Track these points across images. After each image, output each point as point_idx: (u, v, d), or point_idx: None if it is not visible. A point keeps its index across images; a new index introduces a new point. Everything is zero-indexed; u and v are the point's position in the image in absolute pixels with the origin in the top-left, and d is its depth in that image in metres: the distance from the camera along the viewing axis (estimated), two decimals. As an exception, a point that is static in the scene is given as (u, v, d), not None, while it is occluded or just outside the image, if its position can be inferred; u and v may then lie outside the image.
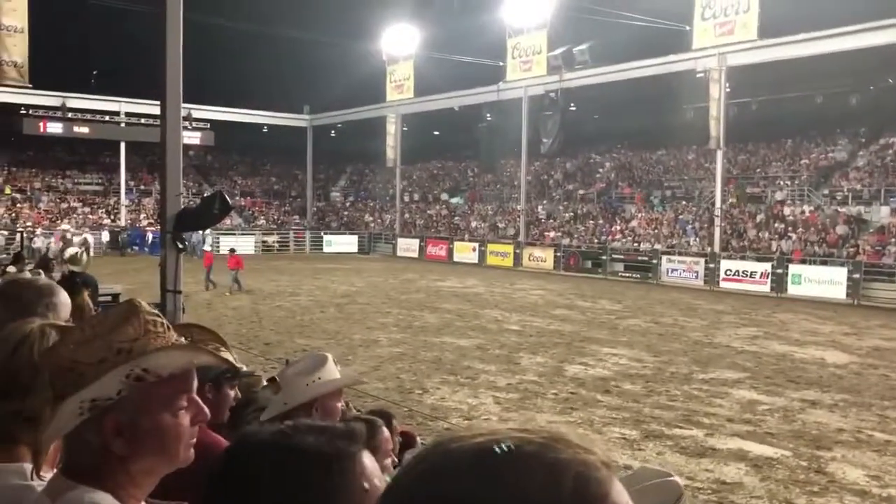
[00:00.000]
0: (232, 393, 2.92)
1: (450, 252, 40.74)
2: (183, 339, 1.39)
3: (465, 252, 39.97)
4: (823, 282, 26.07)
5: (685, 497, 1.26)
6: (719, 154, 31.73)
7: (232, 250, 25.80)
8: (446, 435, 0.78)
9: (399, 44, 44.00)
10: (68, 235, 36.34)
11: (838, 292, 25.51)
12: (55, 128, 43.53)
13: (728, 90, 31.41)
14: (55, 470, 1.40)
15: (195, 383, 1.34)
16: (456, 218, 45.72)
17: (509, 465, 0.69)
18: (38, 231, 38.51)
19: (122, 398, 1.23)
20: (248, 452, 1.10)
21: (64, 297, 2.30)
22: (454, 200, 48.65)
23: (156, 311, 1.32)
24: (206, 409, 1.35)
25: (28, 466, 1.48)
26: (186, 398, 1.31)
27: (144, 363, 1.24)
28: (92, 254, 33.29)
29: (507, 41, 38.82)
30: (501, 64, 39.68)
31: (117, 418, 1.24)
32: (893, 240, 26.83)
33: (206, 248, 27.51)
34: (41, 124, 43.03)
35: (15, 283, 2.56)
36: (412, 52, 43.86)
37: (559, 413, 10.31)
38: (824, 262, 27.13)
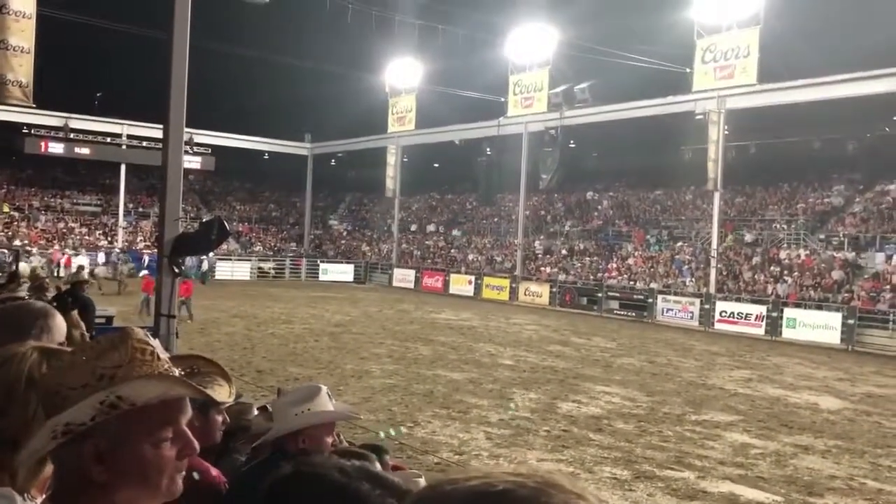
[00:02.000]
0: (220, 418, 2.91)
1: (446, 284, 40.72)
2: (177, 369, 1.37)
3: (461, 284, 39.96)
4: (818, 326, 26.07)
5: None
6: (717, 196, 31.90)
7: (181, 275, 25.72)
8: (441, 477, 0.78)
9: (402, 76, 44.43)
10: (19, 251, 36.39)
11: (833, 337, 25.50)
12: (56, 148, 43.73)
13: (727, 133, 31.68)
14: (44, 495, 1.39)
15: (185, 416, 1.31)
16: (453, 250, 45.77)
17: None
18: (35, 251, 38.43)
19: (99, 425, 1.21)
20: (310, 485, 1.14)
21: (59, 320, 2.30)
22: (453, 233, 48.77)
23: (147, 339, 1.31)
24: (196, 443, 1.32)
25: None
26: (172, 430, 1.28)
27: (119, 390, 1.22)
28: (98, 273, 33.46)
29: (508, 77, 39.21)
30: (502, 99, 40.05)
31: (98, 445, 1.22)
32: (888, 286, 26.88)
33: (144, 272, 27.43)
34: (42, 144, 43.24)
35: (10, 306, 2.56)
36: (415, 85, 44.28)
37: (550, 451, 10.23)
38: (819, 307, 27.14)
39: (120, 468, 1.24)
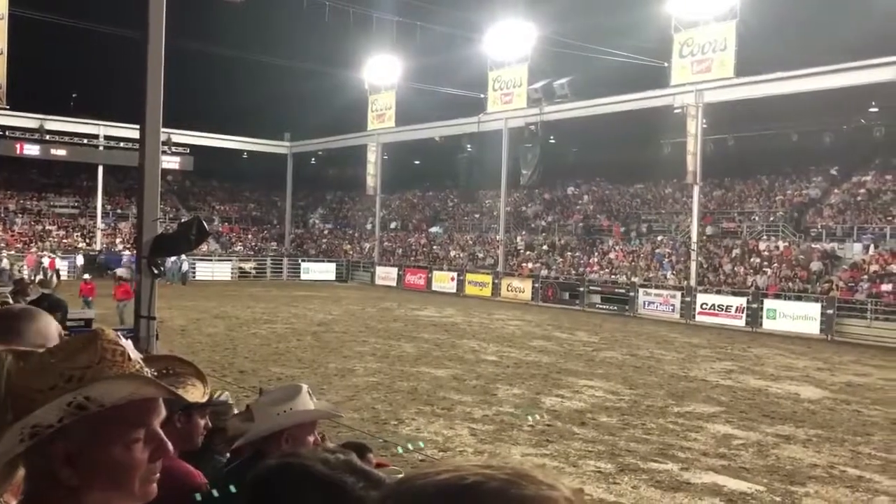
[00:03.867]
0: (203, 422, 2.89)
1: (428, 281, 40.71)
2: (149, 370, 1.35)
3: (443, 281, 39.95)
4: (798, 317, 26.32)
5: None
6: (696, 189, 32.11)
7: (120, 278, 23.20)
8: (412, 471, 0.77)
9: (381, 74, 44.36)
10: None
11: (812, 328, 25.77)
12: (32, 150, 43.25)
13: (705, 126, 31.89)
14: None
15: (157, 416, 1.29)
16: (435, 247, 45.76)
17: (473, 501, 0.69)
18: (4, 254, 37.80)
19: (68, 427, 1.19)
20: (295, 476, 1.16)
21: (53, 326, 2.26)
22: (433, 230, 48.75)
23: (117, 340, 1.28)
24: (169, 444, 1.30)
25: None
26: (144, 431, 1.26)
27: (87, 391, 1.19)
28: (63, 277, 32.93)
29: (488, 73, 39.24)
30: (482, 96, 40.07)
31: (66, 447, 1.20)
32: (866, 276, 27.20)
33: (86, 276, 26.74)
34: (18, 146, 42.72)
35: (8, 310, 2.51)
36: (394, 82, 44.21)
37: (535, 445, 10.26)
38: (798, 298, 27.41)
39: (90, 471, 1.22)
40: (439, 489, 0.71)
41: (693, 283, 30.64)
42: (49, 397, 1.20)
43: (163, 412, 1.30)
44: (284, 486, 1.19)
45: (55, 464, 1.20)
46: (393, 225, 50.73)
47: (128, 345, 1.29)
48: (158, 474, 1.30)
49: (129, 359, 1.27)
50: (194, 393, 1.72)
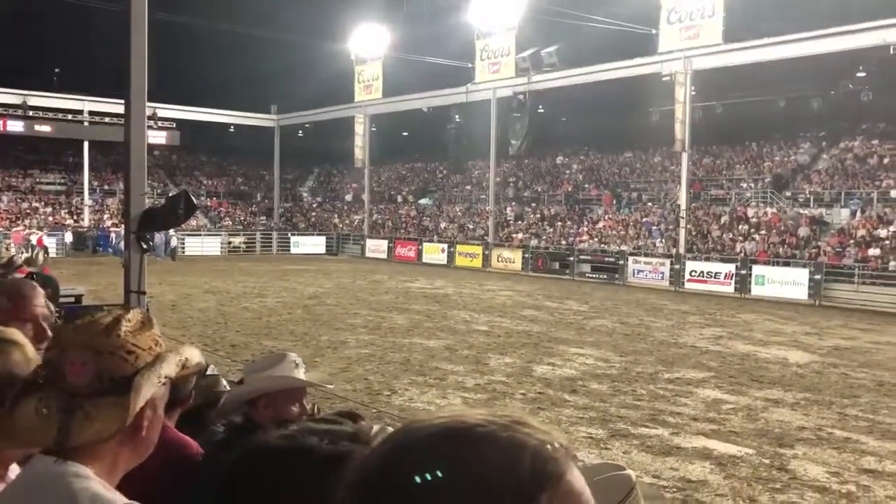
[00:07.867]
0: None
1: (419, 253, 40.73)
2: None
3: (434, 253, 39.98)
4: (786, 283, 26.52)
5: (637, 490, 1.29)
6: (684, 156, 32.12)
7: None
8: (413, 418, 0.79)
9: (368, 44, 43.90)
10: None
11: (800, 293, 25.98)
12: (16, 126, 42.78)
13: (693, 93, 31.83)
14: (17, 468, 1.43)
15: None
16: (425, 219, 45.72)
17: (469, 444, 0.71)
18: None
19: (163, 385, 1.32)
20: (258, 460, 1.17)
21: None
22: (423, 201, 48.67)
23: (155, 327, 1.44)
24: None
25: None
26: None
27: (184, 353, 1.34)
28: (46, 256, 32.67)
29: (475, 43, 38.93)
30: (470, 65, 39.77)
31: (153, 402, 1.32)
32: (853, 241, 27.39)
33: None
34: (1, 122, 42.25)
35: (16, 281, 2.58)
36: (381, 52, 43.78)
37: (527, 413, 10.34)
38: (787, 264, 27.60)
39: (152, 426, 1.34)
40: (436, 432, 0.73)
41: (682, 250, 30.77)
42: (147, 356, 1.30)
43: None
44: (251, 473, 1.20)
45: (140, 417, 1.29)
46: (385, 197, 50.31)
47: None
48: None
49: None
50: (195, 354, 1.80)
